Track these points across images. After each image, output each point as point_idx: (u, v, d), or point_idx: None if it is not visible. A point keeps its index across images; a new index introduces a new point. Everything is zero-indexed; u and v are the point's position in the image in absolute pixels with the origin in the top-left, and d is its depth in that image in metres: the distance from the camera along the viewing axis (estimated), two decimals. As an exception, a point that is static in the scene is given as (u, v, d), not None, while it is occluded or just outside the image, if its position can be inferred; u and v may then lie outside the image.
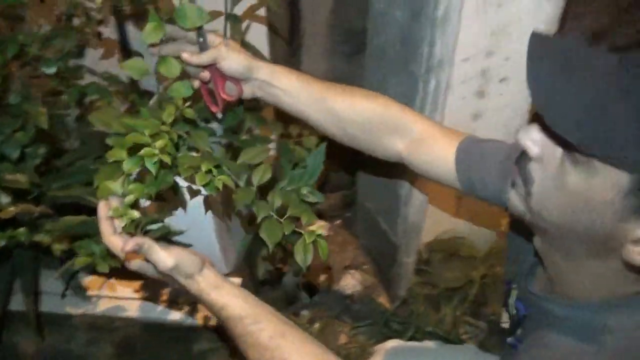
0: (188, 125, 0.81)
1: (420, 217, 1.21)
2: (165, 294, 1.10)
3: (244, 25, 1.11)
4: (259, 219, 0.70)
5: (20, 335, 1.06)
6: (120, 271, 0.73)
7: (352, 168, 1.52)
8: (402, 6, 0.95)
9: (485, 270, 1.34)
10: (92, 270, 1.10)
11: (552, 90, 0.44)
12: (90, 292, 1.07)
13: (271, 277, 1.37)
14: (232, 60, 0.76)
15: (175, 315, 1.06)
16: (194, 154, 0.79)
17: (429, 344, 1.04)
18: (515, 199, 0.54)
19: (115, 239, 0.64)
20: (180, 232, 1.00)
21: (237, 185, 0.73)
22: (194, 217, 0.99)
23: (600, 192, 0.45)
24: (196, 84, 0.81)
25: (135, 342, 1.10)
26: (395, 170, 1.17)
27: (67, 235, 0.80)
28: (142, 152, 0.63)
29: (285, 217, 0.71)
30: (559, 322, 0.56)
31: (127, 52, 1.23)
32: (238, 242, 1.15)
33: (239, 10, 0.86)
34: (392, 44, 1.02)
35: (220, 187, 0.68)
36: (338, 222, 1.61)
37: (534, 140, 0.50)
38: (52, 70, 0.78)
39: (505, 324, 0.74)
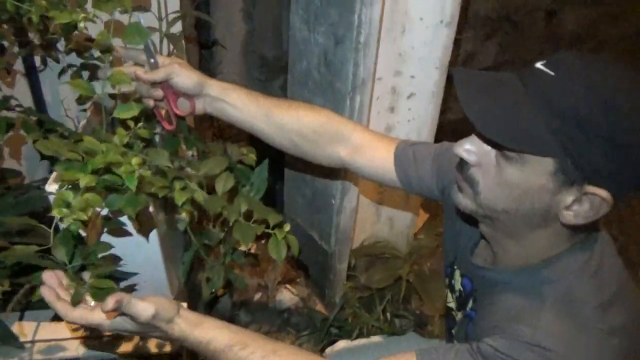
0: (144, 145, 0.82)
1: (350, 223, 1.30)
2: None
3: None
4: (231, 222, 0.75)
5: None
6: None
7: (274, 187, 1.58)
8: (324, 33, 1.06)
9: (408, 268, 1.47)
10: (20, 314, 1.03)
11: (477, 106, 0.56)
12: (23, 339, 0.99)
13: (208, 301, 1.37)
14: (185, 76, 0.80)
15: (123, 347, 1.02)
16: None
17: (375, 338, 1.13)
18: (464, 201, 0.64)
19: (78, 313, 0.63)
20: (134, 274, 0.99)
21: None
22: (140, 244, 0.98)
23: (534, 178, 0.56)
24: (150, 102, 0.83)
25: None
26: (327, 184, 1.25)
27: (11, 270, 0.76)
28: (121, 169, 0.63)
29: (253, 220, 0.77)
30: (505, 287, 0.66)
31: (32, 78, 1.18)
32: (178, 268, 1.15)
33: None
34: (316, 66, 1.12)
35: (201, 200, 0.71)
36: (263, 241, 1.65)
37: (469, 150, 0.60)
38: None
39: (451, 302, 0.85)
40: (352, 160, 0.87)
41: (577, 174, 0.54)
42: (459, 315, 0.81)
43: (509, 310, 0.63)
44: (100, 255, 0.79)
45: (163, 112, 0.88)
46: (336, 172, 1.20)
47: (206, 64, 1.47)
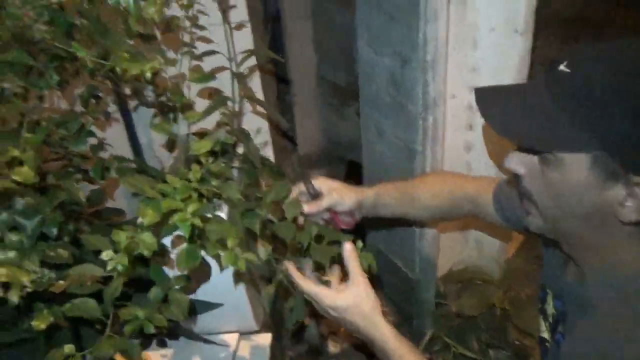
0: (216, 179, 0.85)
1: (434, 249, 1.24)
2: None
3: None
4: (305, 245, 0.79)
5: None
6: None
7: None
8: (390, 55, 1.04)
9: (502, 294, 1.37)
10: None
11: (498, 116, 0.59)
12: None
13: (293, 331, 1.37)
14: (345, 202, 0.91)
15: None
16: (223, 214, 0.83)
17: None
18: (532, 221, 0.64)
19: (317, 288, 0.79)
20: (218, 305, 1.03)
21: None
22: (223, 275, 1.01)
23: (574, 177, 0.55)
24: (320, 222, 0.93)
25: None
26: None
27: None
28: (175, 217, 0.66)
29: (325, 242, 0.78)
30: (594, 307, 0.61)
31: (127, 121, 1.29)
32: (263, 297, 1.17)
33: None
34: (385, 89, 1.11)
35: (243, 267, 0.72)
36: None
37: (516, 162, 0.62)
38: (82, 147, 0.83)
39: (544, 332, 0.78)
40: (475, 211, 0.93)
41: (616, 166, 0.52)
42: (551, 345, 0.73)
43: (596, 340, 0.59)
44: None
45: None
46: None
47: (283, 95, 1.52)
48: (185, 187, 0.72)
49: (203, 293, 1.02)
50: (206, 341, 1.07)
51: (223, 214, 0.85)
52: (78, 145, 0.82)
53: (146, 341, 1.08)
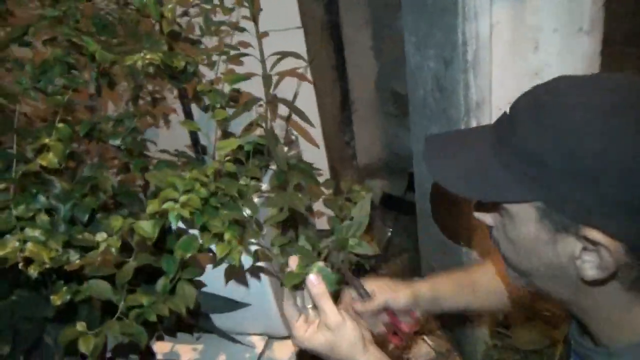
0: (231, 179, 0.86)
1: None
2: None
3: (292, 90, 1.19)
4: None
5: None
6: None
7: (414, 229, 1.49)
8: (434, 57, 0.99)
9: (568, 328, 1.20)
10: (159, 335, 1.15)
11: (441, 167, 0.59)
12: (159, 357, 1.10)
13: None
14: (399, 299, 0.85)
15: None
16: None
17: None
18: (510, 275, 0.61)
19: (293, 311, 0.72)
20: (245, 305, 1.03)
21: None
22: (251, 279, 1.01)
23: (525, 230, 0.52)
24: (381, 327, 0.90)
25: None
26: (454, 222, 1.13)
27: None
28: (165, 205, 0.67)
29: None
30: None
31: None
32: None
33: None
34: (430, 93, 1.05)
35: (237, 260, 0.70)
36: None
37: (483, 214, 0.60)
38: (116, 141, 0.89)
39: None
40: None
41: (562, 216, 0.49)
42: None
43: None
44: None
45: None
46: (461, 210, 1.08)
47: (343, 104, 1.50)
48: (190, 180, 0.74)
49: (234, 292, 1.03)
50: (234, 340, 1.08)
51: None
52: (114, 138, 0.88)
53: (173, 332, 1.13)
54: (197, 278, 0.97)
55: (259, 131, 1.03)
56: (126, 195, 0.97)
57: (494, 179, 0.53)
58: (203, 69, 0.99)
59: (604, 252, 0.47)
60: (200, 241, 0.73)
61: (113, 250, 0.67)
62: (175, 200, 0.68)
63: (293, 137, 1.27)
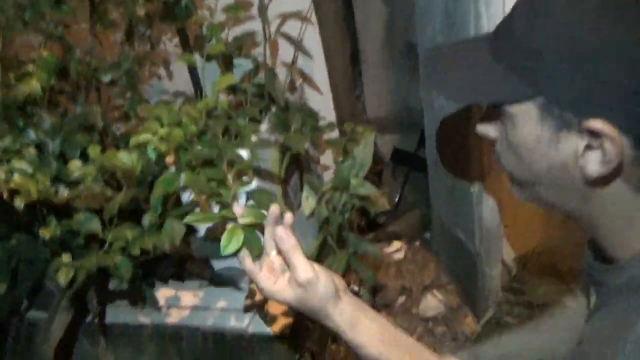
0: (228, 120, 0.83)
1: (496, 218, 1.09)
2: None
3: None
4: None
5: (93, 346, 1.10)
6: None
7: (426, 185, 1.44)
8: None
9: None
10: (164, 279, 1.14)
11: (438, 75, 0.57)
12: (161, 303, 1.09)
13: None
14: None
15: (250, 325, 1.02)
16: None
17: None
18: (514, 190, 0.57)
19: (251, 265, 0.63)
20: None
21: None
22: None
23: (526, 132, 0.50)
24: None
25: (205, 355, 1.09)
26: (464, 169, 1.08)
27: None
28: (141, 137, 0.63)
29: None
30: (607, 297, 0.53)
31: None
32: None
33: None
34: (440, 30, 0.98)
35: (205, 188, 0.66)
36: (417, 243, 1.51)
37: (485, 127, 0.57)
38: (107, 78, 0.86)
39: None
40: None
41: (563, 111, 0.46)
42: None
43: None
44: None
45: None
46: (472, 155, 1.02)
47: (352, 56, 1.44)
48: (176, 113, 0.70)
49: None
50: (235, 286, 1.06)
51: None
52: (104, 75, 0.85)
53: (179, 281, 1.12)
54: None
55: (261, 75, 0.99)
56: (125, 138, 0.95)
57: (493, 80, 0.50)
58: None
59: (608, 143, 0.44)
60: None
61: (88, 180, 0.64)
62: (155, 134, 0.65)
63: (297, 84, 1.22)
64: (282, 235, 0.61)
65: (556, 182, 0.51)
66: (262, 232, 0.64)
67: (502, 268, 1.19)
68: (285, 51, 1.18)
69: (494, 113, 0.55)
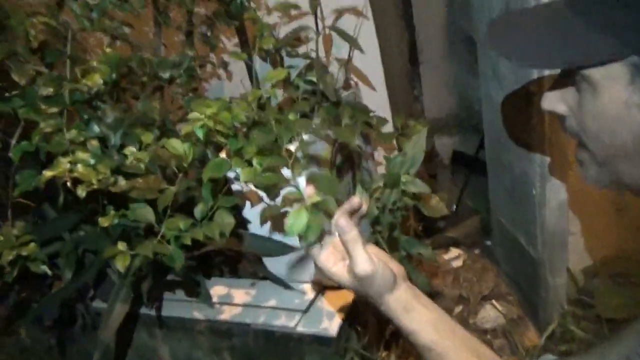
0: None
1: (561, 222, 1.02)
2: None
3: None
4: None
5: (150, 337, 1.14)
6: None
7: (486, 189, 1.38)
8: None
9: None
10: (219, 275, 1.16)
11: (511, 44, 0.51)
12: (214, 300, 1.11)
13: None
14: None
15: (299, 325, 1.02)
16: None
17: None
18: (588, 173, 0.54)
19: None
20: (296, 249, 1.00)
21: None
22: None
23: (614, 99, 0.45)
24: None
25: (255, 352, 1.09)
26: (525, 169, 1.02)
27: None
28: (191, 117, 0.64)
29: None
30: None
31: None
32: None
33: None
34: (498, 10, 0.94)
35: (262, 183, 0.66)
36: (477, 250, 1.45)
37: (552, 101, 0.53)
38: (166, 75, 0.89)
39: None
40: None
41: None
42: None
43: None
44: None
45: None
46: (534, 153, 0.96)
47: (410, 53, 1.41)
48: (224, 102, 0.71)
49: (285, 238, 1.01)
50: (285, 285, 1.06)
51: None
52: (163, 72, 0.89)
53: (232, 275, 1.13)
54: (245, 216, 0.97)
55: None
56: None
57: (576, 40, 0.46)
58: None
59: None
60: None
61: (142, 166, 0.66)
62: (204, 115, 0.66)
63: (352, 83, 1.21)
64: (343, 225, 0.61)
65: None
66: (329, 217, 0.64)
67: (568, 278, 1.11)
68: (342, 48, 1.17)
69: (563, 81, 0.51)
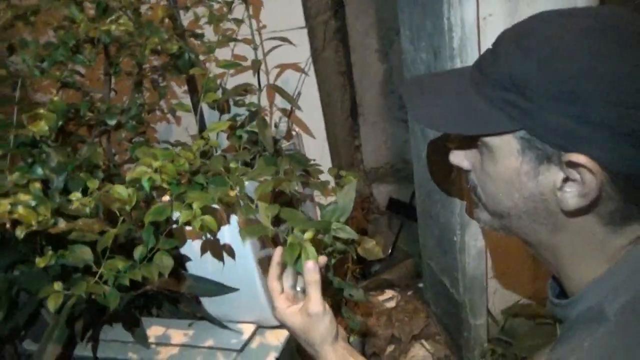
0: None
1: (480, 266, 1.11)
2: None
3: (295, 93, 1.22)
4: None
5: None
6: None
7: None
8: (425, 48, 1.00)
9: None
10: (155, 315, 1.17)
11: (418, 106, 0.57)
12: (151, 341, 1.12)
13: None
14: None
15: None
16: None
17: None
18: (481, 215, 0.60)
19: (276, 284, 0.73)
20: (234, 290, 1.04)
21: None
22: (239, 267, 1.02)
23: (506, 164, 0.51)
24: None
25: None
26: (449, 217, 1.12)
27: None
28: (137, 170, 0.70)
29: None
30: (567, 330, 0.53)
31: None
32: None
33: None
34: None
35: (198, 228, 0.72)
36: (410, 292, 1.52)
37: (459, 157, 0.59)
38: (112, 122, 0.94)
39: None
40: None
41: (545, 145, 0.48)
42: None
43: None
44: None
45: None
46: (455, 204, 1.06)
47: (350, 108, 1.52)
48: (170, 153, 0.77)
49: (225, 280, 1.05)
50: (222, 325, 1.09)
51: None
52: (109, 119, 0.93)
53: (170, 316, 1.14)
54: (185, 253, 1.00)
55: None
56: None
57: (475, 112, 0.51)
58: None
59: (589, 177, 0.46)
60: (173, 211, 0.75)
61: (86, 210, 0.70)
62: (151, 167, 0.71)
63: (294, 133, 1.29)
64: (311, 267, 0.68)
65: (531, 213, 0.52)
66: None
67: (488, 318, 1.20)
68: (284, 101, 1.26)
69: (468, 143, 0.57)
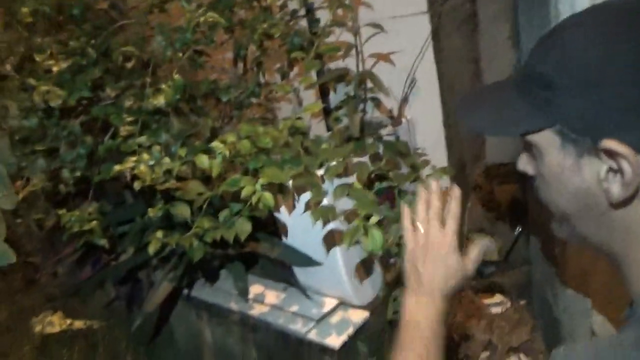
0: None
1: (580, 290, 0.99)
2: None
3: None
4: None
5: (191, 318, 1.31)
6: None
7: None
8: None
9: None
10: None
11: (468, 114, 0.59)
12: (250, 296, 1.25)
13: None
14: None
15: (309, 334, 1.12)
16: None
17: None
18: (554, 227, 0.58)
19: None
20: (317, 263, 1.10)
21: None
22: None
23: (553, 161, 0.51)
24: None
25: (274, 350, 1.21)
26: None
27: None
28: (213, 144, 0.78)
29: None
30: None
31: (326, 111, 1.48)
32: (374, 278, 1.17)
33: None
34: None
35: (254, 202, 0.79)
36: (522, 301, 1.41)
37: (524, 163, 0.58)
38: (225, 98, 1.06)
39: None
40: None
41: (577, 136, 0.48)
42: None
43: None
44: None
45: None
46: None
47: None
48: (248, 129, 0.85)
49: (315, 254, 1.11)
50: (306, 295, 1.16)
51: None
52: (224, 94, 1.06)
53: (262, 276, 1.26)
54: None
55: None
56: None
57: (514, 113, 0.53)
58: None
59: (625, 163, 0.46)
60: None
61: (174, 170, 0.83)
62: (224, 142, 0.80)
63: (403, 120, 1.28)
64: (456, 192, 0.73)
65: (585, 211, 0.52)
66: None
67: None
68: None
69: (526, 148, 0.58)
